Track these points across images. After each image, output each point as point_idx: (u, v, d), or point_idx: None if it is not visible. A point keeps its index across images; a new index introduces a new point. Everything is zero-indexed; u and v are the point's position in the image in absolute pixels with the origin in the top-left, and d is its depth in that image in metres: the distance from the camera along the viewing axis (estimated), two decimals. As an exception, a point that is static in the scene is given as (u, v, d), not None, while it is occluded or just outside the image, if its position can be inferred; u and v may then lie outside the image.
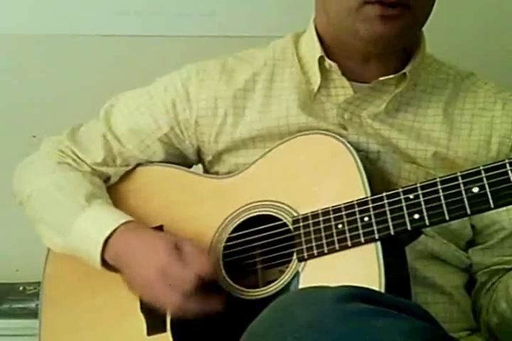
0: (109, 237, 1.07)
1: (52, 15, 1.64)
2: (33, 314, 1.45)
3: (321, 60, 1.10)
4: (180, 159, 1.21)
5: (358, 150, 1.02)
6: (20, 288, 1.63)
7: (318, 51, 1.10)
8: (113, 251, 1.07)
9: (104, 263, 1.08)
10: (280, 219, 1.04)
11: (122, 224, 1.08)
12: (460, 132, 1.10)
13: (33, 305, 1.58)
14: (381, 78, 1.08)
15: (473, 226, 1.13)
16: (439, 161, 1.08)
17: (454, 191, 0.90)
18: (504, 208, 1.07)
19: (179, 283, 1.00)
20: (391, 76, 1.08)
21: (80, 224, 1.09)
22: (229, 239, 1.07)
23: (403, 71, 1.08)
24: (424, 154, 1.08)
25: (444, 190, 0.90)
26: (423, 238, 1.04)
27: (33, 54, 1.66)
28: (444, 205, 0.90)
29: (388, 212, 0.93)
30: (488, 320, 1.09)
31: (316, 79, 1.11)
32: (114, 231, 1.07)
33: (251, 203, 1.07)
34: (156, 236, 1.08)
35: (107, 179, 1.21)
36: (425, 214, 0.91)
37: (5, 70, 1.66)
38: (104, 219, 1.09)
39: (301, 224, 1.00)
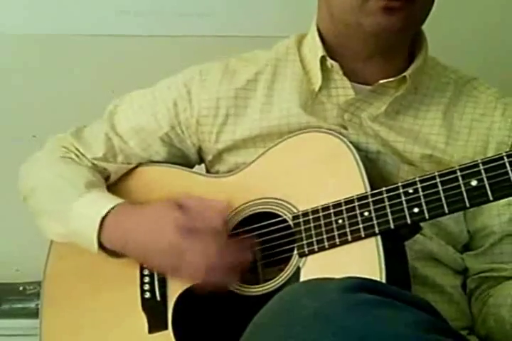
0: (106, 216, 1.06)
1: (52, 15, 1.64)
2: (33, 314, 1.46)
3: (322, 60, 1.10)
4: (181, 159, 1.21)
5: (357, 149, 1.02)
6: (20, 288, 1.63)
7: (320, 51, 1.10)
8: (112, 228, 1.06)
9: (101, 246, 1.07)
10: (280, 216, 1.04)
11: (119, 204, 1.08)
12: (458, 136, 1.10)
13: (33, 305, 1.59)
14: (381, 81, 1.07)
15: (468, 231, 1.13)
16: (435, 165, 1.08)
17: (452, 185, 0.90)
18: (496, 212, 1.09)
19: (208, 233, 1.00)
20: (391, 79, 1.08)
21: (78, 207, 1.09)
22: (230, 237, 1.07)
23: (403, 74, 1.08)
24: (420, 157, 1.08)
25: (442, 183, 0.91)
26: (422, 239, 1.04)
27: (33, 54, 1.66)
28: (443, 198, 0.90)
29: (388, 206, 0.94)
30: (477, 330, 1.10)
31: (317, 79, 1.10)
32: (110, 210, 1.07)
33: (251, 201, 1.07)
34: (155, 203, 1.08)
35: (106, 177, 1.21)
36: (424, 207, 0.91)
37: (5, 70, 1.66)
38: (101, 201, 1.09)
39: (301, 219, 1.00)
